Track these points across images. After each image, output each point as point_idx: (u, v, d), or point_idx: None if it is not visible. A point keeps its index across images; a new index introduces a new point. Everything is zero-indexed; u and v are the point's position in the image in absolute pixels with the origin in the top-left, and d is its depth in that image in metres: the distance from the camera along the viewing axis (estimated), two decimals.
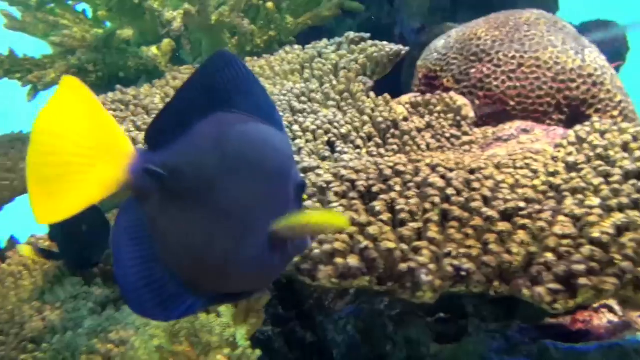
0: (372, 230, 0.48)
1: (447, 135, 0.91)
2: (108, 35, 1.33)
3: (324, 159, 0.77)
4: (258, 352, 0.54)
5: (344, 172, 0.63)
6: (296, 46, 1.22)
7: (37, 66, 1.51)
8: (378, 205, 0.54)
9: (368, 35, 1.19)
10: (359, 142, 0.83)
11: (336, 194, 0.57)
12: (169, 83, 1.11)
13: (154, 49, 1.43)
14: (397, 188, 0.59)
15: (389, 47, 1.09)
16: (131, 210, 0.35)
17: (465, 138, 0.91)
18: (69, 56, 1.46)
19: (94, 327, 0.68)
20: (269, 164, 0.37)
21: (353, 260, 0.44)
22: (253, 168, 0.36)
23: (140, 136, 0.80)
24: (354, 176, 0.61)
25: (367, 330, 0.88)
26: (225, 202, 0.35)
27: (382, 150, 0.82)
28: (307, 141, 0.81)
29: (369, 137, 0.85)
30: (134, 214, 0.35)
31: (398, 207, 0.53)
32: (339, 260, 0.45)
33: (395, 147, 0.83)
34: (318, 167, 0.67)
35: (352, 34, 1.19)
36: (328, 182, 0.60)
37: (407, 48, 1.11)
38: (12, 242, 1.04)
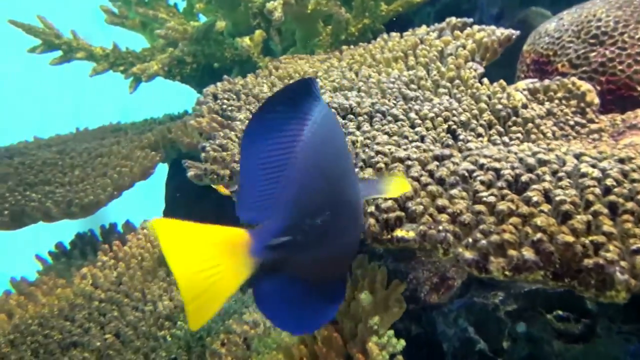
0: (539, 221, 0.45)
1: (571, 123, 0.85)
2: (208, 27, 1.37)
3: (447, 146, 0.74)
4: (402, 342, 0.53)
5: (483, 160, 0.60)
6: (393, 33, 1.19)
7: (138, 59, 1.59)
8: (534, 195, 0.51)
9: (471, 20, 1.14)
10: (480, 130, 0.79)
11: (482, 182, 0.55)
12: (272, 73, 1.12)
13: (247, 40, 1.46)
14: (547, 178, 0.55)
15: (499, 31, 1.04)
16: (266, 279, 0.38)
17: (593, 126, 0.85)
18: (168, 48, 1.53)
19: (225, 309, 0.70)
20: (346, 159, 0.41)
21: (529, 253, 0.42)
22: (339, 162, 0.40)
23: None
24: (497, 165, 0.58)
25: (480, 324, 0.85)
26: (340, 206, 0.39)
27: (505, 139, 0.78)
28: (427, 129, 0.78)
29: (489, 125, 0.81)
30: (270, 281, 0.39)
31: (558, 198, 0.50)
32: (512, 252, 0.42)
33: (519, 135, 0.79)
34: (452, 155, 0.65)
35: (453, 20, 1.15)
36: (470, 171, 0.58)
37: (517, 32, 1.05)
38: (129, 226, 1.11)
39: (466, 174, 0.57)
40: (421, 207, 0.52)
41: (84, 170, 1.07)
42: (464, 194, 0.54)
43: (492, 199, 0.51)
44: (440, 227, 0.47)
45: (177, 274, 0.35)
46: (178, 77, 1.61)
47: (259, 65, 1.44)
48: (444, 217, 0.49)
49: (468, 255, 0.44)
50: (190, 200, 1.39)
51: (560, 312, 0.86)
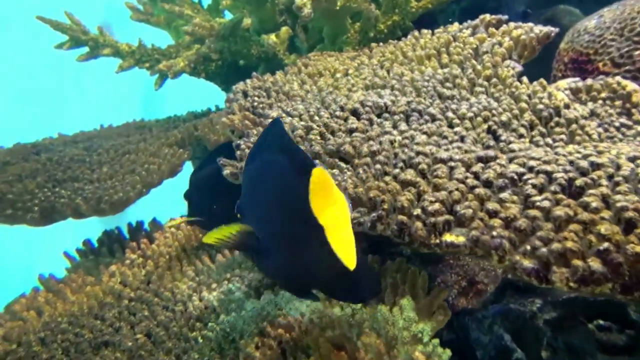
0: (603, 229, 0.42)
1: (616, 124, 0.81)
2: (235, 23, 1.36)
3: (488, 147, 0.72)
4: (448, 351, 0.50)
5: (532, 162, 0.57)
6: (424, 30, 1.16)
7: (163, 56, 1.59)
8: (593, 201, 0.48)
9: (506, 17, 1.11)
10: (522, 130, 0.76)
11: (534, 186, 0.52)
12: (302, 70, 1.10)
13: (273, 37, 1.45)
14: (604, 182, 0.52)
15: (537, 28, 1.00)
16: None
17: (639, 128, 0.81)
18: (194, 45, 1.52)
19: (257, 310, 0.69)
20: None
21: (596, 264, 0.39)
22: None
23: (293, 120, 0.80)
24: (547, 167, 0.55)
25: (517, 332, 0.82)
26: None
27: (548, 140, 0.75)
28: (467, 129, 0.76)
29: (531, 126, 0.78)
30: None
31: (619, 205, 0.47)
32: (576, 262, 0.40)
33: (563, 136, 0.75)
34: (497, 157, 0.62)
35: (487, 17, 1.12)
36: (520, 174, 0.55)
37: (556, 29, 1.02)
38: (156, 224, 1.11)
39: (515, 177, 0.55)
40: (470, 210, 0.49)
41: (112, 167, 1.07)
42: (515, 197, 0.51)
43: (546, 203, 0.48)
44: (494, 233, 0.45)
45: None
46: (203, 74, 1.60)
47: (285, 62, 1.42)
48: (496, 222, 0.47)
49: (527, 264, 0.41)
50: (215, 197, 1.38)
51: (601, 322, 0.82)
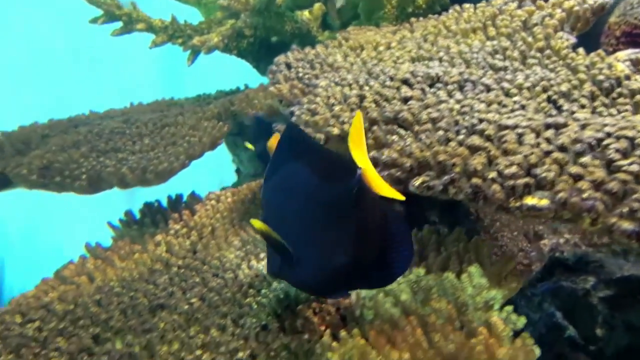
0: None
1: None
2: None
3: (548, 117, 0.69)
4: (523, 319, 0.49)
5: (608, 129, 0.55)
6: (466, 5, 1.12)
7: (196, 31, 1.57)
8: None
9: None
10: (584, 101, 0.73)
11: (617, 150, 0.50)
12: (342, 44, 1.08)
13: (306, 13, 1.42)
14: None
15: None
16: None
17: None
18: (228, 21, 1.50)
19: None
20: None
21: None
22: None
23: (344, 89, 0.78)
24: (627, 133, 0.52)
25: (569, 310, 0.80)
26: None
27: (612, 111, 0.72)
28: (526, 99, 0.73)
29: (592, 97, 0.75)
30: None
31: None
32: None
33: (627, 107, 0.72)
34: (567, 124, 0.59)
35: None
36: (599, 139, 0.52)
37: (611, 0, 0.97)
38: (195, 197, 1.10)
39: (594, 142, 0.52)
40: (552, 173, 0.47)
41: (153, 139, 1.06)
42: (597, 162, 0.49)
43: (635, 167, 0.46)
44: (585, 195, 0.43)
45: None
46: (235, 51, 1.58)
47: (319, 39, 1.40)
48: (584, 184, 0.44)
49: (627, 226, 0.39)
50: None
51: None
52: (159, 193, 1.09)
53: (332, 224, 0.50)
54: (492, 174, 0.50)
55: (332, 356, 0.51)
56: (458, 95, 0.75)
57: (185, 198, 1.11)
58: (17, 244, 1.72)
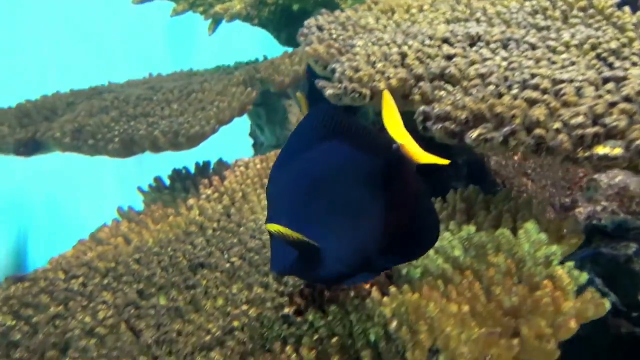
0: None
1: None
2: None
3: (600, 73, 0.66)
4: (585, 275, 0.47)
5: None
6: None
7: (217, 0, 1.53)
8: None
9: None
10: (635, 59, 0.70)
11: None
12: (372, 7, 1.04)
13: None
14: None
15: None
16: None
17: None
18: None
19: None
20: None
21: None
22: None
23: (383, 48, 0.75)
24: None
25: (609, 276, 0.79)
26: None
27: None
28: (576, 56, 0.70)
29: None
30: None
31: None
32: None
33: None
34: (626, 78, 0.56)
35: None
36: None
37: None
38: (222, 163, 1.08)
39: None
40: (623, 122, 0.45)
41: (181, 105, 1.04)
42: None
43: None
44: None
45: None
46: (256, 20, 1.54)
47: (342, 7, 1.35)
48: None
49: None
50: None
51: None
52: (166, 168, 1.06)
53: (368, 204, 0.49)
54: (557, 125, 0.47)
55: (384, 309, 0.50)
56: (503, 53, 0.72)
57: (212, 165, 1.09)
58: (40, 217, 1.72)
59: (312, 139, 0.51)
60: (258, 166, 1.03)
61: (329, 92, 0.62)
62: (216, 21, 1.48)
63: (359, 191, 0.49)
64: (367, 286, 0.59)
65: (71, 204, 1.97)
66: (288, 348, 0.48)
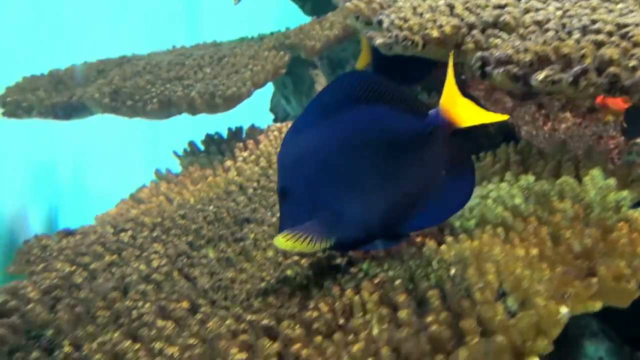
0: None
1: None
2: None
3: None
4: None
5: None
6: None
7: None
8: None
9: None
10: None
11: None
12: None
13: None
14: None
15: None
16: None
17: None
18: None
19: None
20: None
21: None
22: None
23: (426, 2, 0.72)
24: None
25: None
26: None
27: None
28: (632, 5, 0.66)
29: None
30: None
31: None
32: None
33: None
34: None
35: None
36: None
37: None
38: (254, 129, 1.07)
39: None
40: None
41: (214, 69, 1.02)
42: None
43: None
44: None
45: None
46: None
47: None
48: None
49: None
50: None
51: None
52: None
53: (398, 169, 0.49)
54: (633, 62, 0.45)
55: (444, 256, 0.49)
56: (555, 4, 0.69)
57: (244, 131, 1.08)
58: (68, 188, 1.74)
59: (340, 104, 0.49)
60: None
61: (379, 41, 0.60)
62: None
63: (390, 155, 0.48)
64: (419, 238, 0.58)
65: (96, 176, 1.98)
66: (348, 292, 0.47)
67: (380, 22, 0.66)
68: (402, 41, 0.58)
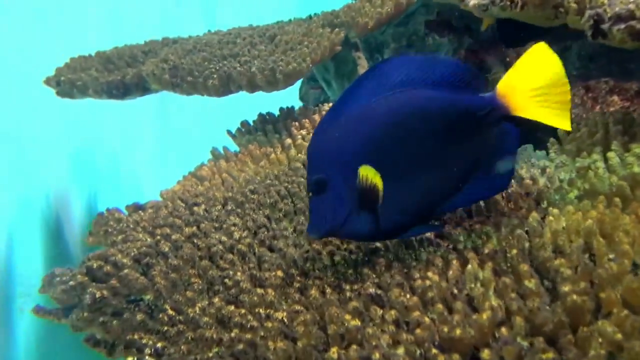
0: None
1: None
2: None
3: None
4: None
5: None
6: None
7: None
8: None
9: None
10: None
11: None
12: None
13: None
14: None
15: None
16: None
17: None
18: None
19: None
20: None
21: None
22: None
23: None
24: None
25: None
26: None
27: None
28: None
29: None
30: None
31: None
32: None
33: None
34: None
35: None
36: None
37: None
38: (306, 108, 1.05)
39: None
40: None
41: (267, 47, 1.00)
42: None
43: None
44: None
45: None
46: None
47: None
48: None
49: None
50: None
51: None
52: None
53: (446, 152, 0.48)
54: None
55: (557, 227, 0.46)
56: None
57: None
58: (105, 175, 1.75)
59: (382, 87, 0.48)
60: None
61: (472, 2, 0.57)
62: None
63: (441, 135, 0.47)
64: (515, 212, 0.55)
65: (130, 164, 2.00)
66: (454, 262, 0.44)
67: None
68: (500, 2, 0.55)
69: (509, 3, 0.54)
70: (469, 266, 0.42)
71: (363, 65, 1.60)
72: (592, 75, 0.90)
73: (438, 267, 0.45)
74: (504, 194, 0.56)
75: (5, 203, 1.20)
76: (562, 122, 0.44)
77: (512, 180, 0.55)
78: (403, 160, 0.47)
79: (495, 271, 0.42)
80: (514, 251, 0.43)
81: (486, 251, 0.44)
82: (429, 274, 0.43)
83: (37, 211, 1.34)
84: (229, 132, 0.98)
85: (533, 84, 0.44)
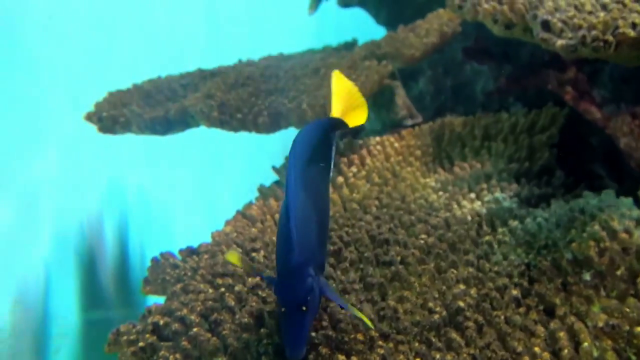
0: None
1: None
2: None
3: None
4: None
5: None
6: None
7: None
8: None
9: None
10: None
11: None
12: None
13: None
14: None
15: None
16: None
17: None
18: None
19: (564, 215, 0.59)
20: None
21: None
22: None
23: None
24: None
25: None
26: None
27: None
28: None
29: None
30: None
31: None
32: None
33: None
34: None
35: None
36: None
37: None
38: (352, 141, 1.04)
39: None
40: None
41: (313, 80, 1.00)
42: None
43: None
44: None
45: None
46: (355, 0, 1.51)
47: None
48: None
49: None
50: None
51: None
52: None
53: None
54: None
55: None
56: None
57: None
58: (134, 206, 1.76)
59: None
60: (396, 145, 0.97)
61: (559, 42, 0.55)
62: (318, 0, 1.45)
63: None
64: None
65: (158, 194, 2.01)
66: (560, 335, 0.41)
67: (546, 23, 0.61)
68: (591, 42, 0.53)
69: (602, 44, 0.52)
70: (585, 344, 0.39)
71: (400, 95, 1.59)
72: (625, 98, 0.88)
73: (541, 337, 0.41)
74: (596, 249, 0.52)
75: (41, 239, 1.21)
76: (362, 119, 0.57)
77: (604, 233, 0.52)
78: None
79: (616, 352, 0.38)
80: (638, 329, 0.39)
81: (600, 324, 0.41)
82: (536, 349, 0.39)
83: (71, 246, 1.34)
84: (274, 168, 0.97)
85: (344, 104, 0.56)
